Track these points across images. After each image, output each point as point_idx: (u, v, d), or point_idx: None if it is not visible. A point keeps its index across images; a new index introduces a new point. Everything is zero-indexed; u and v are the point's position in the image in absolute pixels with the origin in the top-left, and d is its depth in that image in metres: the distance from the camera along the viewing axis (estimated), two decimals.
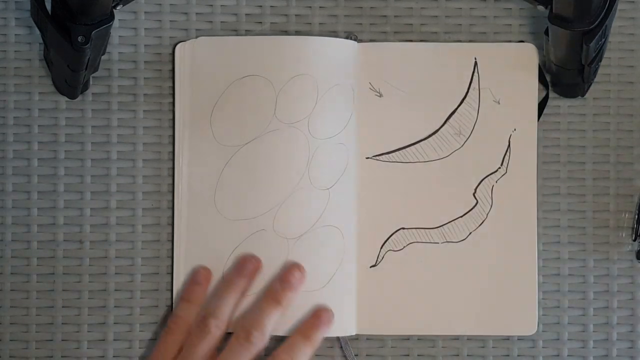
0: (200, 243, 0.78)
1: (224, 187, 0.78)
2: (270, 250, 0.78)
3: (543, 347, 0.80)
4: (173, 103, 0.79)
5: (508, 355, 0.80)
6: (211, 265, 0.78)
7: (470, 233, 0.79)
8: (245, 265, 0.77)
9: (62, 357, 0.78)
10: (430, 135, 0.79)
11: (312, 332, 0.76)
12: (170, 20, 0.80)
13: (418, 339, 0.79)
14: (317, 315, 0.77)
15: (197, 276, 0.77)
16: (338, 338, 0.79)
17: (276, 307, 0.76)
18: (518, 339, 0.80)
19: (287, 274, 0.77)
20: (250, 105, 0.79)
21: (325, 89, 0.78)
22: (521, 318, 0.79)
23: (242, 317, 0.77)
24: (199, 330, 0.75)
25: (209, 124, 0.78)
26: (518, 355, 0.80)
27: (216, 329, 0.75)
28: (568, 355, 0.80)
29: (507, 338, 0.80)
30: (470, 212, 0.79)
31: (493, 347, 0.80)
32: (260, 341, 0.75)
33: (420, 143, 0.79)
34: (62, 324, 0.79)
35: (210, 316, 0.75)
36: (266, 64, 0.78)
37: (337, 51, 0.79)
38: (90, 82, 0.79)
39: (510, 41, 0.80)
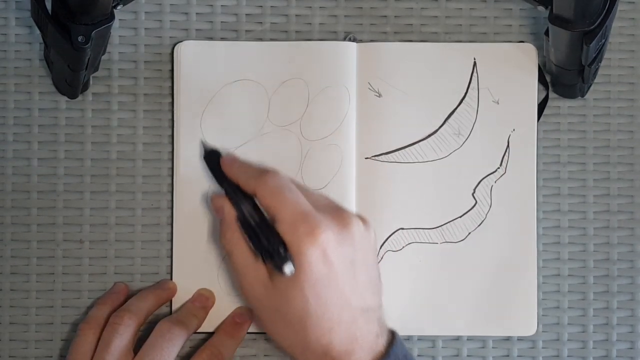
0: (198, 244, 0.78)
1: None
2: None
3: (543, 348, 0.80)
4: (172, 103, 0.79)
5: (508, 356, 0.80)
6: (207, 265, 0.78)
7: (469, 233, 0.79)
8: (167, 283, 0.78)
9: (61, 357, 0.78)
10: (429, 136, 0.79)
11: (236, 330, 0.77)
12: (170, 20, 0.80)
13: (418, 339, 0.79)
14: (239, 314, 0.78)
15: (116, 287, 0.78)
16: None
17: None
18: (518, 339, 0.80)
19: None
20: (243, 109, 0.79)
21: (316, 91, 0.79)
22: (521, 318, 0.79)
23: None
24: (113, 324, 0.74)
25: (200, 127, 0.79)
26: (518, 356, 0.80)
27: (130, 321, 0.74)
28: (568, 356, 0.80)
29: (507, 338, 0.80)
30: (470, 212, 0.79)
31: (493, 347, 0.80)
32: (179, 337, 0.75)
33: (420, 143, 0.79)
34: (62, 323, 0.79)
35: (124, 311, 0.75)
36: (258, 68, 0.79)
37: (331, 54, 0.79)
38: (90, 82, 0.79)
39: (510, 41, 0.80)
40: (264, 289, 0.72)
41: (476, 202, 0.79)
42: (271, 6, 0.80)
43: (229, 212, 0.73)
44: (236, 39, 0.80)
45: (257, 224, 0.72)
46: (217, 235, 0.75)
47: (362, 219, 0.73)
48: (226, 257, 0.77)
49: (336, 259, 0.70)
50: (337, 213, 0.72)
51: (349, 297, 0.71)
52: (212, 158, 0.76)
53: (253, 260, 0.72)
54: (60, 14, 0.70)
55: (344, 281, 0.71)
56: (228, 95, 0.79)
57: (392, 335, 0.73)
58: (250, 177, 0.73)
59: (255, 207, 0.73)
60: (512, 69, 0.80)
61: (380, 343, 0.72)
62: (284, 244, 0.70)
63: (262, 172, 0.73)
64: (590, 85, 0.79)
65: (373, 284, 0.73)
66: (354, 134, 0.79)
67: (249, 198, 0.73)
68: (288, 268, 0.69)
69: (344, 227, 0.71)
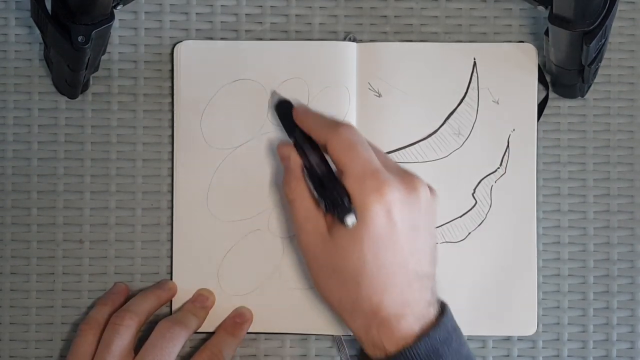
0: (198, 243, 0.78)
1: (216, 189, 0.78)
2: (266, 249, 0.78)
3: (543, 347, 0.80)
4: (172, 103, 0.79)
5: (508, 356, 0.80)
6: (207, 265, 0.78)
7: (469, 233, 0.79)
8: (168, 284, 0.78)
9: (61, 357, 0.79)
10: (429, 136, 0.79)
11: (236, 330, 0.77)
12: (170, 20, 0.80)
13: None
14: (240, 314, 0.78)
15: (116, 288, 0.78)
16: (335, 338, 0.79)
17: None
18: (518, 339, 0.80)
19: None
20: (243, 109, 0.79)
21: (316, 91, 0.79)
22: (521, 318, 0.79)
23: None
24: (114, 324, 0.74)
25: (199, 127, 0.79)
26: (518, 356, 0.80)
27: (130, 321, 0.74)
28: (568, 356, 0.80)
29: (507, 338, 0.80)
30: (469, 212, 0.79)
31: (493, 347, 0.80)
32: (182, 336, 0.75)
33: (419, 143, 0.79)
34: (62, 323, 0.79)
35: (125, 311, 0.75)
36: (258, 68, 0.79)
37: (331, 54, 0.79)
38: (90, 82, 0.79)
39: (510, 41, 0.80)
40: (321, 242, 0.72)
41: (476, 202, 0.79)
42: (271, 6, 0.80)
43: (295, 160, 0.73)
44: (236, 38, 0.80)
45: (324, 174, 0.72)
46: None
47: (430, 187, 0.73)
48: (287, 206, 0.76)
49: (400, 220, 0.70)
50: (406, 176, 0.72)
51: (406, 260, 0.71)
52: (283, 108, 0.77)
53: (314, 212, 0.72)
54: (60, 14, 0.70)
55: (404, 243, 0.70)
56: (228, 95, 0.79)
57: (443, 306, 0.73)
58: (323, 127, 0.73)
59: (323, 158, 0.73)
60: (512, 69, 0.80)
61: (432, 312, 0.72)
62: (348, 196, 0.70)
63: (337, 124, 0.73)
64: (590, 85, 0.79)
65: (431, 252, 0.73)
66: None
67: (317, 149, 0.73)
68: (350, 219, 0.69)
69: (412, 190, 0.71)
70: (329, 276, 0.72)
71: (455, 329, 0.72)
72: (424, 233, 0.72)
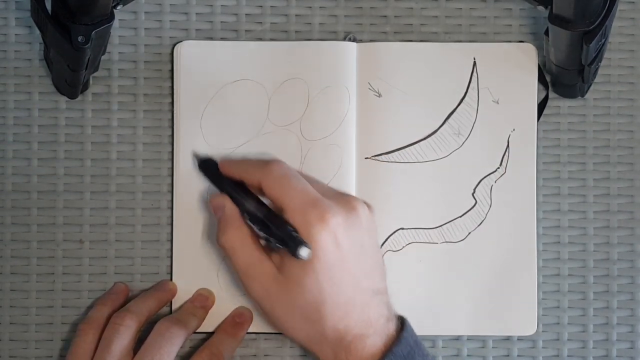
0: (198, 243, 0.78)
1: (216, 190, 0.78)
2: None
3: (543, 347, 0.80)
4: (172, 103, 0.79)
5: (508, 356, 0.80)
6: (207, 265, 0.78)
7: (469, 233, 0.79)
8: (168, 285, 0.78)
9: (61, 357, 0.78)
10: (429, 135, 0.79)
11: (236, 330, 0.77)
12: (170, 20, 0.80)
13: None
14: (240, 314, 0.78)
15: (116, 288, 0.78)
16: None
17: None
18: (518, 339, 0.80)
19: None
20: (243, 109, 0.79)
21: (316, 91, 0.79)
22: (521, 318, 0.79)
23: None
24: (114, 324, 0.74)
25: (199, 127, 0.79)
26: (518, 356, 0.80)
27: (131, 322, 0.74)
28: (568, 356, 0.80)
29: (507, 338, 0.80)
30: (469, 212, 0.79)
31: (493, 347, 0.80)
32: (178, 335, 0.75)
33: (419, 143, 0.79)
34: (62, 323, 0.79)
35: (125, 311, 0.75)
36: (258, 68, 0.79)
37: (331, 54, 0.79)
38: (90, 82, 0.79)
39: (510, 41, 0.80)
40: (274, 283, 0.72)
41: (476, 202, 0.79)
42: (271, 6, 0.80)
43: (231, 207, 0.74)
44: (236, 39, 0.80)
45: (265, 214, 0.72)
46: (214, 237, 0.75)
47: (367, 204, 0.74)
48: (226, 259, 0.77)
49: (347, 243, 0.71)
50: (343, 198, 0.73)
51: (360, 280, 0.71)
52: (208, 165, 0.77)
53: (258, 256, 0.72)
54: (60, 14, 0.70)
55: (355, 264, 0.71)
56: (228, 95, 0.79)
57: (402, 320, 0.74)
58: (254, 169, 0.73)
59: (259, 200, 0.73)
60: (512, 69, 0.80)
61: (392, 327, 0.72)
62: (295, 230, 0.70)
63: (266, 163, 0.73)
64: (590, 85, 0.79)
65: (380, 267, 0.74)
66: (354, 134, 0.79)
67: (251, 194, 0.73)
68: (304, 251, 0.69)
69: (352, 211, 0.72)
70: (290, 314, 0.72)
71: (417, 343, 0.73)
72: (371, 250, 0.73)
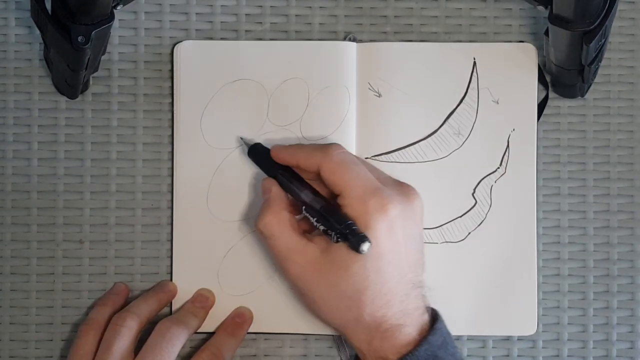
0: (198, 243, 0.78)
1: (216, 189, 0.78)
2: (265, 249, 0.78)
3: (543, 347, 0.80)
4: (172, 103, 0.79)
5: (508, 356, 0.80)
6: (207, 265, 0.78)
7: (469, 233, 0.79)
8: (168, 285, 0.78)
9: (61, 357, 0.79)
10: (429, 135, 0.79)
11: (237, 330, 0.77)
12: (170, 20, 0.80)
13: None
14: (240, 314, 0.78)
15: (116, 288, 0.78)
16: (335, 338, 0.79)
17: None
18: (518, 339, 0.80)
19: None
20: (243, 109, 0.79)
21: (316, 91, 0.79)
22: (521, 318, 0.79)
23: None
24: (115, 325, 0.74)
25: (199, 127, 0.79)
26: (518, 356, 0.80)
27: (132, 323, 0.74)
28: (568, 356, 0.80)
29: (507, 338, 0.80)
30: (469, 212, 0.79)
31: (493, 347, 0.80)
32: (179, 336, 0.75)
33: (419, 143, 0.79)
34: (62, 324, 0.79)
35: (126, 312, 0.75)
36: (258, 68, 0.79)
37: (331, 54, 0.79)
38: (90, 82, 0.79)
39: (510, 41, 0.80)
40: (316, 267, 0.71)
41: (476, 202, 0.79)
42: (271, 6, 0.80)
43: (276, 193, 0.73)
44: (236, 38, 0.80)
45: (323, 207, 0.72)
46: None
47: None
48: (264, 241, 0.75)
49: (401, 234, 0.71)
50: (401, 187, 0.73)
51: (405, 273, 0.71)
52: (258, 152, 0.76)
53: (298, 242, 0.72)
54: (60, 14, 0.70)
55: (404, 256, 0.71)
56: (228, 95, 0.79)
57: (434, 312, 0.74)
58: (312, 154, 0.73)
59: (315, 190, 0.73)
60: (512, 69, 0.80)
61: (426, 318, 0.73)
62: (353, 221, 0.70)
63: (326, 147, 0.73)
64: (590, 85, 0.79)
65: (423, 259, 0.74)
66: (354, 134, 0.79)
67: (307, 186, 0.73)
68: (366, 246, 0.69)
69: (410, 203, 0.72)
70: (329, 297, 0.72)
71: (449, 333, 0.73)
72: (419, 242, 0.73)
